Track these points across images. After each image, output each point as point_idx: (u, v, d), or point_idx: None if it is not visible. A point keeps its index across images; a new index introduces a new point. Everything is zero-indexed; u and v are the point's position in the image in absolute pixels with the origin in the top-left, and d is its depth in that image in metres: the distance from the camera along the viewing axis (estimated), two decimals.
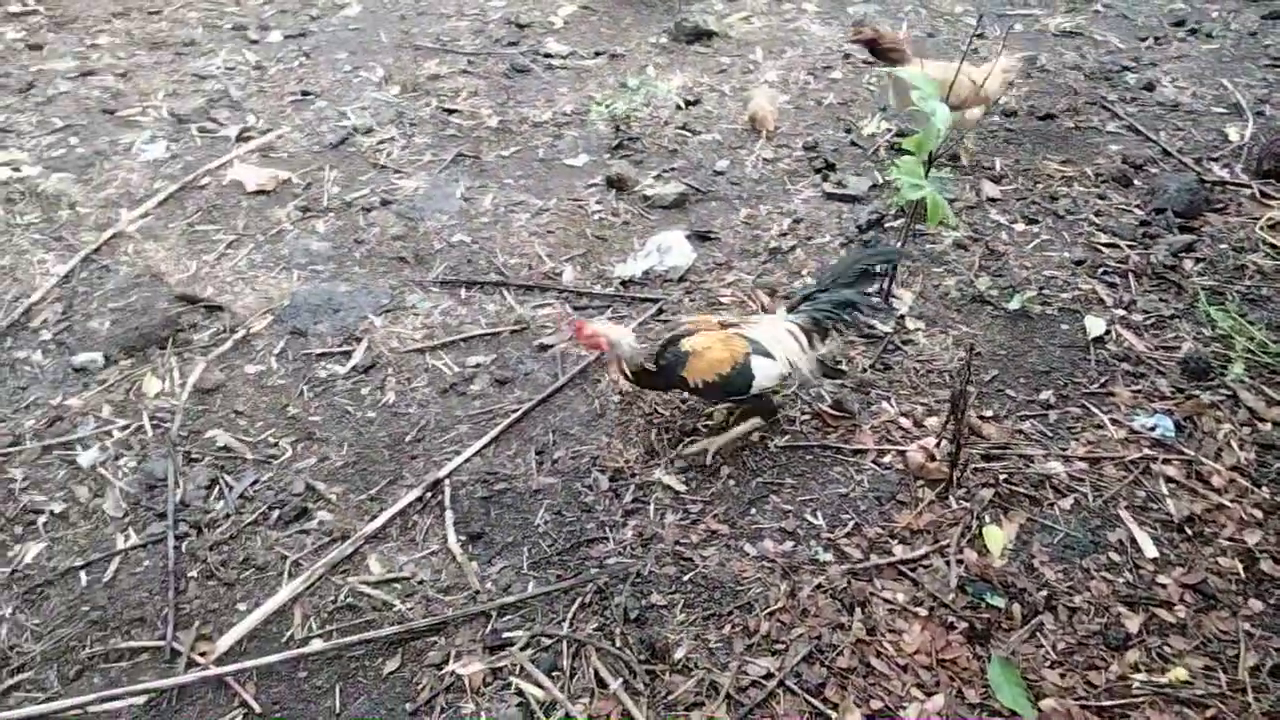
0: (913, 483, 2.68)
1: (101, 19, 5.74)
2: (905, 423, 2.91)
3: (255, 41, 5.55)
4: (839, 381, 3.07)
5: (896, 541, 2.51)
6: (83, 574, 2.47)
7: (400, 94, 4.97)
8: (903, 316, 3.37)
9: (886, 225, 3.86)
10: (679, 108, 4.78)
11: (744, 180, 4.24)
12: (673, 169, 4.33)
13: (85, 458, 2.78)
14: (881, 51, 4.06)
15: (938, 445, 2.70)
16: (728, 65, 5.33)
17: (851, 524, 2.57)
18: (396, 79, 5.12)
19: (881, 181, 4.18)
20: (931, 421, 2.90)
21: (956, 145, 4.26)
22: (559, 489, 2.74)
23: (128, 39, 5.50)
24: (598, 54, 5.47)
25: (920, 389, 3.04)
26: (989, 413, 2.94)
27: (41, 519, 2.61)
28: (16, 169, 4.03)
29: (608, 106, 4.58)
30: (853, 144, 4.51)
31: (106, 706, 2.17)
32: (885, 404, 2.99)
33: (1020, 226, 3.82)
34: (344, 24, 5.82)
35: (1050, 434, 2.85)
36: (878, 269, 2.99)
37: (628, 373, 2.70)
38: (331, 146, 4.43)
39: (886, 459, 2.79)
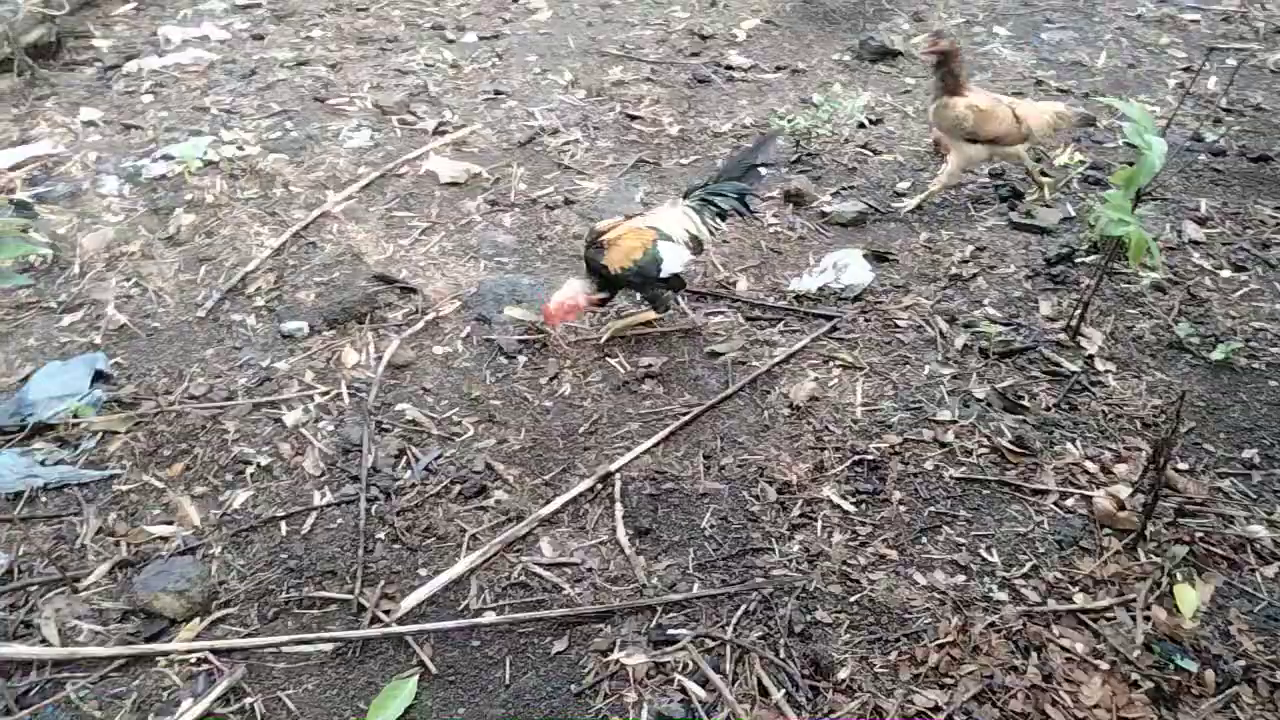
0: (1098, 530, 2.56)
1: (316, 14, 6.16)
2: (1091, 467, 2.79)
3: (452, 41, 5.83)
4: (1020, 417, 2.98)
5: (1078, 589, 2.41)
6: (283, 524, 2.67)
7: (585, 98, 5.12)
8: (1091, 357, 3.23)
9: (1077, 260, 3.70)
10: (861, 126, 4.73)
11: (925, 203, 4.16)
12: (852, 187, 4.30)
13: (289, 417, 2.99)
14: (948, 69, 3.80)
15: (1132, 496, 2.57)
16: (912, 86, 5.24)
17: (1029, 565, 2.48)
18: (582, 83, 5.28)
19: (1073, 215, 4.02)
20: (1121, 469, 2.77)
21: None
22: (725, 495, 2.76)
23: (338, 33, 5.89)
24: (779, 68, 5.48)
25: (1109, 434, 2.91)
26: (1184, 466, 2.78)
27: (249, 469, 2.83)
28: (240, 148, 4.38)
29: (789, 121, 4.58)
30: (1043, 174, 4.35)
31: (299, 649, 2.32)
32: (1070, 445, 2.87)
33: (1226, 273, 3.60)
34: (534, 28, 6.04)
35: (1254, 496, 2.67)
36: (761, 164, 3.40)
37: (596, 300, 3.22)
38: (519, 145, 4.61)
39: (1069, 502, 2.68)
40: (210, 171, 4.24)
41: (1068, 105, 4.18)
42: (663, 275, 3.18)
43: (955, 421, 2.98)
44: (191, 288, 3.58)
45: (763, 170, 3.44)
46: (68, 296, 3.49)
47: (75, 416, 2.92)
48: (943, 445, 2.90)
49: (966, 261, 3.76)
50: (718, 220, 3.34)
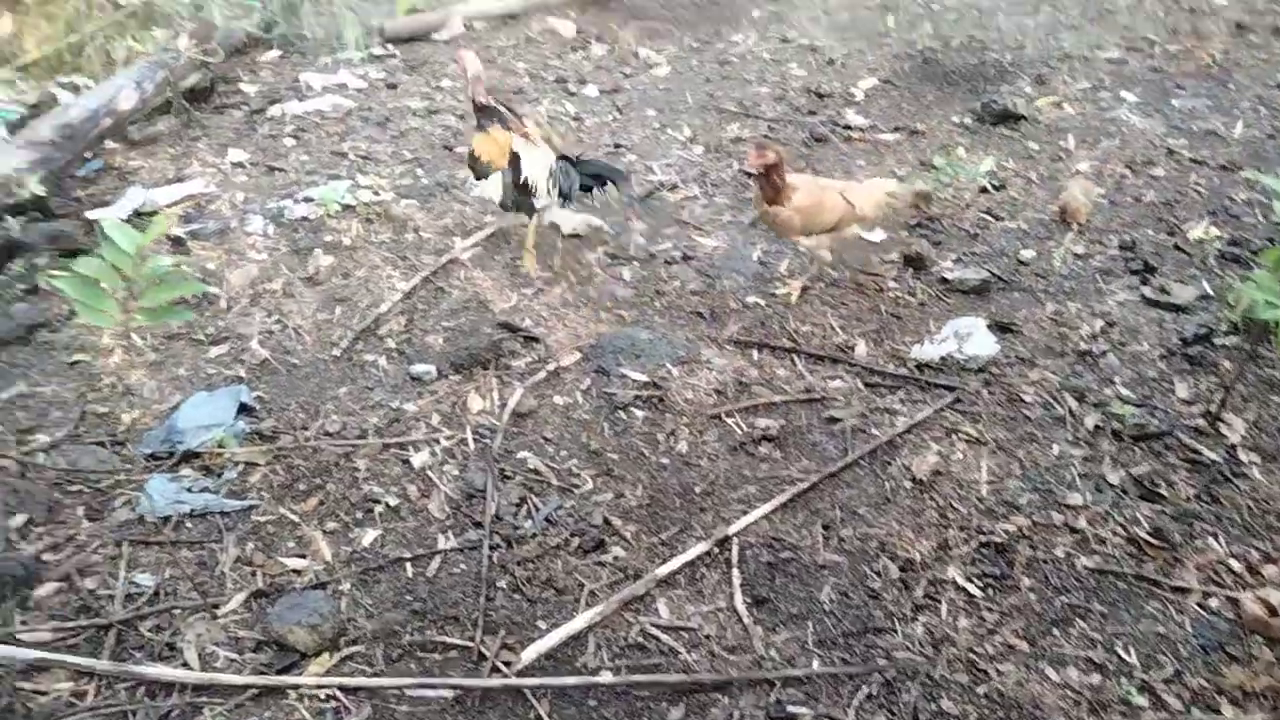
0: (1246, 636, 2.43)
1: (446, 64, 6.42)
2: (1236, 565, 2.66)
3: (574, 94, 6.01)
4: (1157, 506, 2.86)
5: (1225, 699, 2.29)
6: (409, 565, 2.74)
7: (704, 153, 5.20)
8: (1234, 446, 3.09)
9: (1216, 341, 3.56)
10: (983, 191, 4.67)
11: (1051, 274, 4.07)
12: (973, 253, 4.24)
13: (417, 459, 3.09)
14: (769, 180, 3.62)
15: None
16: (1035, 151, 5.16)
17: (1170, 669, 2.37)
18: (701, 139, 5.36)
19: (1210, 293, 3.87)
20: (1270, 570, 2.64)
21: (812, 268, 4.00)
22: (845, 568, 2.72)
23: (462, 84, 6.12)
24: (897, 129, 5.47)
25: (1255, 531, 2.77)
26: None
27: (378, 509, 2.92)
28: (376, 193, 4.58)
29: (909, 183, 4.55)
30: (1176, 248, 4.22)
31: (422, 693, 2.37)
32: (1212, 540, 2.75)
33: None
34: (654, 83, 6.18)
35: None
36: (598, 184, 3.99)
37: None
38: (639, 199, 4.69)
39: (1213, 602, 2.56)
40: (347, 215, 4.44)
41: (899, 184, 4.11)
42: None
43: (1087, 507, 2.88)
44: (328, 326, 3.74)
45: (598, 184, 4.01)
46: (215, 329, 3.69)
47: (220, 446, 3.07)
48: (1074, 532, 2.81)
49: (1096, 337, 3.66)
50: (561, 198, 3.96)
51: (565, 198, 3.97)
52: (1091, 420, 3.23)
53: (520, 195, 3.92)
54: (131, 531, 2.82)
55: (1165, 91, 5.82)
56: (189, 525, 2.85)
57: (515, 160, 3.87)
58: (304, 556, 2.76)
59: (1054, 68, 6.17)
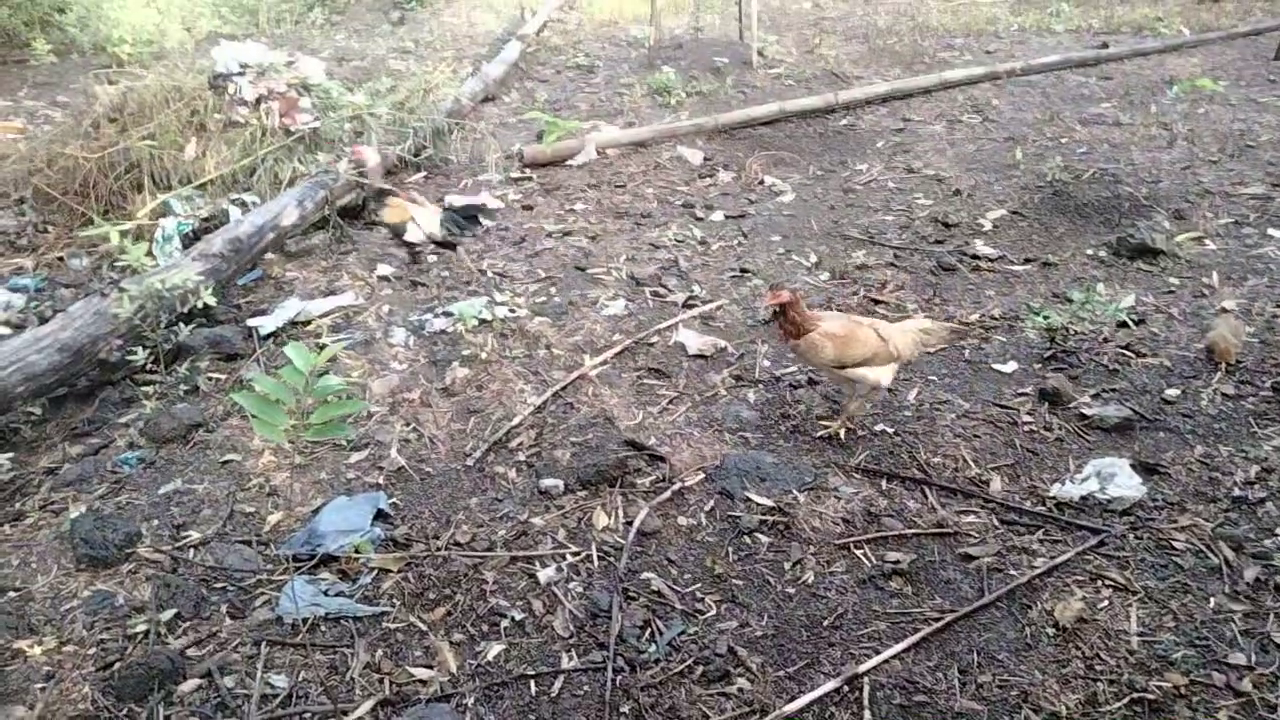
0: None
1: (579, 189, 6.77)
2: None
3: (700, 219, 6.21)
4: None
5: None
6: (532, 683, 2.74)
7: (829, 279, 5.25)
8: None
9: None
10: (1122, 325, 4.54)
11: (1198, 414, 3.89)
12: (1113, 390, 4.10)
13: (543, 575, 3.12)
14: (787, 318, 3.63)
15: None
16: (1176, 287, 5.01)
17: None
18: (826, 265, 5.43)
19: None
20: None
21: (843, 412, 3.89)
22: (984, 718, 2.58)
23: (598, 207, 6.42)
24: (1028, 260, 5.41)
25: None
26: None
27: (504, 622, 2.95)
28: (512, 310, 4.79)
29: (1044, 316, 4.47)
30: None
31: None
32: None
33: None
34: (778, 209, 6.33)
35: None
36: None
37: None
38: (764, 323, 4.76)
39: None
40: (483, 330, 4.65)
41: (932, 322, 3.96)
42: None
43: (1252, 668, 2.67)
44: (461, 437, 3.88)
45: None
46: (356, 436, 3.88)
47: (356, 551, 3.18)
48: (1238, 694, 2.60)
49: (1253, 483, 3.45)
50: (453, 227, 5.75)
51: (460, 229, 5.85)
52: (1251, 573, 3.02)
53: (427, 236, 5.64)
54: (269, 632, 2.92)
55: None
56: (323, 629, 2.94)
57: (413, 217, 5.57)
58: (430, 667, 2.80)
59: (1193, 203, 6.03)
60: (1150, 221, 5.67)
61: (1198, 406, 3.94)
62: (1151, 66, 9.63)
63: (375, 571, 3.15)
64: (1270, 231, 5.55)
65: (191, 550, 3.27)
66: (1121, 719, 2.55)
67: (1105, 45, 10.22)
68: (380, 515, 3.38)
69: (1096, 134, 7.43)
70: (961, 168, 6.92)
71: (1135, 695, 2.61)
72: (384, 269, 5.47)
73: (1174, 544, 3.19)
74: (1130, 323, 4.54)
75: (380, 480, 3.62)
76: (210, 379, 4.35)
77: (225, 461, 3.76)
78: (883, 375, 3.72)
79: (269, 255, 5.61)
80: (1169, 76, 8.94)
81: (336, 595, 3.04)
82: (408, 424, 3.97)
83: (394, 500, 3.50)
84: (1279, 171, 6.45)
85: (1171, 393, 4.05)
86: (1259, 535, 3.20)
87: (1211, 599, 2.94)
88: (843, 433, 3.85)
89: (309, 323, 4.75)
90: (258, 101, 6.63)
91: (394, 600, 3.04)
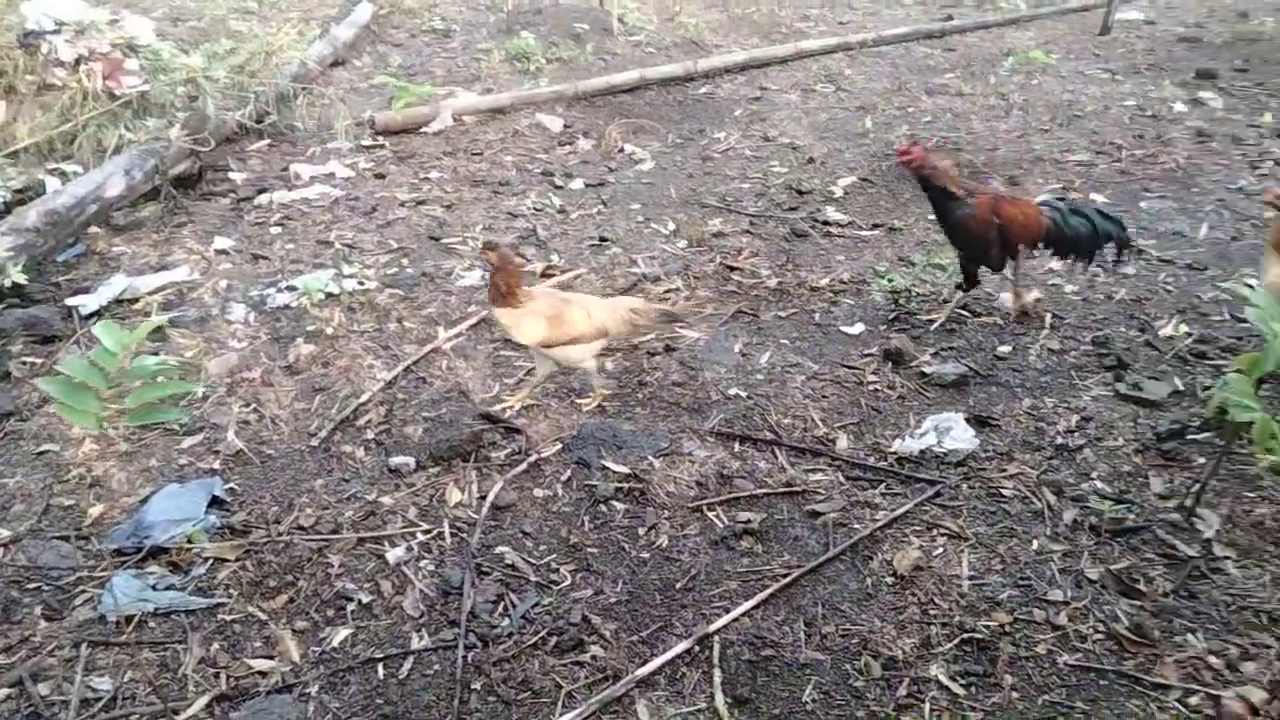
0: None
1: (434, 156, 6.57)
2: (1216, 662, 2.63)
3: (560, 187, 6.14)
4: (1137, 602, 2.85)
5: None
6: (380, 666, 2.66)
7: (687, 247, 5.29)
8: (1209, 541, 3.09)
9: (1189, 437, 3.60)
10: (959, 287, 4.76)
11: (1027, 369, 4.13)
12: (951, 348, 4.29)
13: (392, 555, 3.03)
14: (497, 280, 3.47)
15: (1270, 702, 2.41)
16: None
17: None
18: (684, 232, 5.47)
19: (1182, 389, 3.93)
20: (1248, 667, 2.60)
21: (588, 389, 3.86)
22: (827, 666, 2.67)
23: (454, 175, 6.26)
24: (876, 225, 5.60)
25: (1234, 627, 2.75)
26: None
27: (350, 606, 2.86)
28: (361, 282, 4.62)
29: (889, 279, 4.64)
30: (1148, 344, 4.30)
31: None
32: (1191, 637, 2.72)
33: None
34: (638, 178, 6.33)
35: None
36: None
37: None
38: (622, 291, 4.75)
39: (1194, 700, 2.52)
40: (330, 304, 4.47)
41: (644, 302, 3.92)
42: None
43: (1068, 603, 2.86)
44: (306, 416, 3.72)
45: None
46: (190, 419, 3.66)
47: (189, 542, 3.01)
48: (1056, 628, 2.78)
49: (1073, 431, 3.69)
50: None
51: None
52: (1070, 515, 3.23)
53: None
54: (91, 632, 2.73)
55: (1133, 194, 6.00)
56: (152, 625, 2.77)
57: None
58: (271, 658, 2.68)
59: (1026, 169, 6.38)
60: (987, 187, 5.94)
61: (1026, 361, 4.18)
62: (992, 39, 10.10)
63: (210, 561, 2.99)
64: (1093, 195, 5.93)
65: (0, 549, 3.02)
66: (953, 658, 2.69)
67: (950, 18, 10.65)
68: (216, 502, 3.21)
69: (940, 104, 7.74)
70: (815, 136, 7.09)
71: (965, 635, 2.75)
72: (223, 241, 5.17)
73: (1003, 491, 3.38)
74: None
75: (216, 465, 3.43)
76: (24, 364, 4.02)
77: (41, 452, 3.48)
78: (585, 354, 3.66)
79: (93, 229, 5.22)
80: (1007, 49, 9.40)
81: (167, 589, 2.87)
82: (248, 405, 3.78)
83: (231, 485, 3.33)
84: (1101, 140, 6.88)
85: (1004, 349, 4.27)
86: (1077, 480, 3.43)
87: (1034, 541, 3.13)
88: (517, 405, 3.77)
89: (136, 300, 4.44)
90: (77, 62, 6.13)
91: (231, 590, 2.90)
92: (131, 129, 5.97)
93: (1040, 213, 4.34)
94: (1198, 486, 3.22)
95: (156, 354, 4.05)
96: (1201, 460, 3.47)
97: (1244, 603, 2.86)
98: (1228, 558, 3.04)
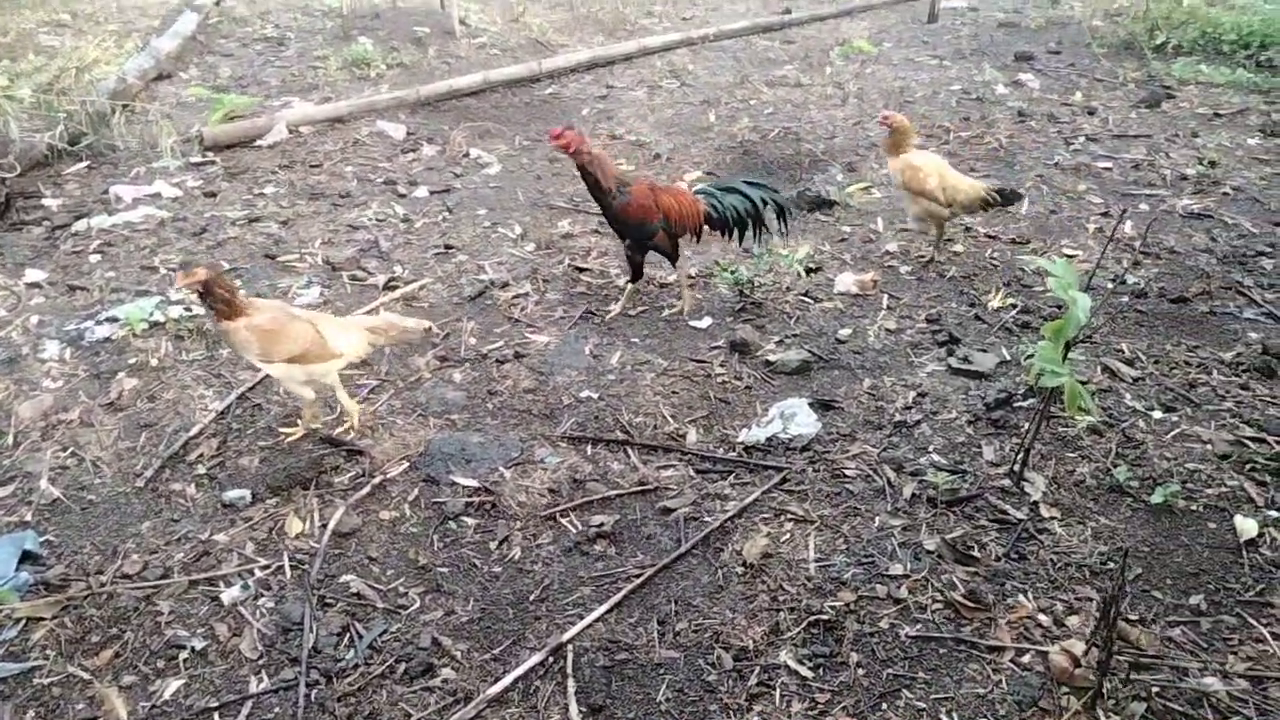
0: (1056, 689, 2.54)
1: (269, 170, 6.30)
2: (1045, 620, 2.79)
3: (404, 196, 5.98)
4: (971, 569, 2.98)
5: None
6: (216, 715, 2.53)
7: (535, 250, 5.25)
8: (1036, 503, 3.27)
9: (1016, 404, 3.80)
10: (800, 275, 4.89)
11: (866, 350, 4.28)
12: (795, 335, 4.41)
13: (227, 595, 2.88)
14: (214, 297, 3.25)
15: (1086, 654, 2.56)
16: (848, 234, 5.47)
17: None
18: (532, 236, 5.42)
19: (1009, 358, 4.15)
20: (1073, 621, 2.77)
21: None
22: (681, 664, 2.69)
23: (290, 189, 6.01)
24: None
25: (1059, 583, 2.92)
26: (1135, 616, 2.79)
27: (183, 655, 2.70)
28: (188, 308, 4.37)
29: (731, 271, 4.72)
30: (977, 318, 4.52)
31: None
32: (1022, 598, 2.87)
33: (1158, 414, 3.72)
34: (484, 182, 6.23)
35: (1205, 645, 2.68)
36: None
37: None
38: (470, 299, 4.67)
39: (1026, 659, 2.66)
40: (155, 333, 4.21)
41: (385, 319, 3.75)
42: None
43: (908, 576, 2.97)
44: (131, 456, 3.50)
45: None
46: None
47: None
48: (897, 601, 2.88)
49: (910, 408, 3.84)
50: None
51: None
52: (909, 489, 3.36)
53: None
54: None
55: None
56: None
57: None
58: (95, 719, 2.50)
59: (862, 155, 6.61)
60: (825, 175, 6.14)
61: (866, 343, 4.33)
62: (828, 31, 10.44)
63: (23, 622, 2.77)
64: None
65: None
66: (801, 642, 2.75)
67: (788, 11, 10.94)
68: (29, 557, 2.98)
69: (781, 95, 7.94)
70: (661, 132, 7.15)
71: (812, 618, 2.82)
72: (34, 274, 4.81)
73: (846, 472, 3.48)
74: (806, 272, 4.89)
75: (29, 517, 3.18)
76: None
77: None
78: (316, 372, 3.44)
79: None
80: (842, 39, 9.73)
81: None
82: (64, 448, 3.52)
83: (47, 538, 3.10)
84: (931, 124, 7.20)
85: (844, 333, 4.41)
86: (915, 454, 3.57)
87: (876, 518, 3.24)
88: (298, 434, 3.60)
89: None
90: None
91: (48, 651, 2.69)
92: None
93: (696, 200, 4.53)
94: (1022, 452, 3.40)
95: None
96: (1028, 426, 3.67)
97: (1068, 559, 3.04)
98: (1053, 518, 3.22)
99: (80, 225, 5.39)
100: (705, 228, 4.58)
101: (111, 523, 3.19)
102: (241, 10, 10.70)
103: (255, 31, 9.80)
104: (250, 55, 9.07)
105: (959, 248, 5.25)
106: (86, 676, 2.63)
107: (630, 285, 4.62)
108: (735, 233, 4.62)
